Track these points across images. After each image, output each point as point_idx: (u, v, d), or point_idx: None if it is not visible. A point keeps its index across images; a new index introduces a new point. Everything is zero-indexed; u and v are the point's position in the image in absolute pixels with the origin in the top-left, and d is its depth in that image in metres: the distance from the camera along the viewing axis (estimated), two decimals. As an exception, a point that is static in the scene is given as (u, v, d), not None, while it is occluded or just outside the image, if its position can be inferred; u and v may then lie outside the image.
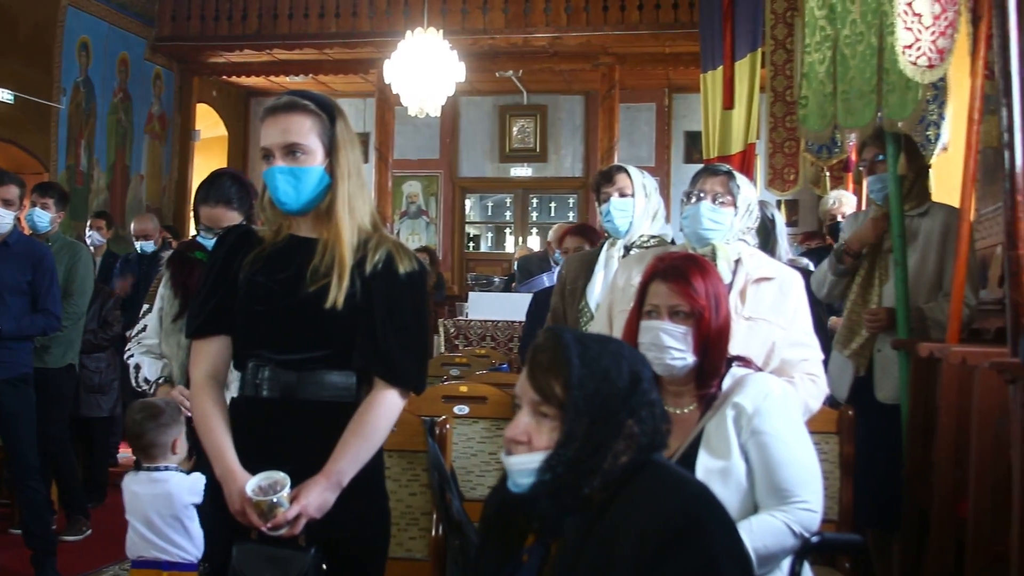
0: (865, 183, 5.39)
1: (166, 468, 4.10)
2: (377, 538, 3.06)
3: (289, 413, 2.91)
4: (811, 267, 6.28)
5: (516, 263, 11.85)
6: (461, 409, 4.39)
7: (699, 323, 2.90)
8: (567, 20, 13.87)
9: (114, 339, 7.78)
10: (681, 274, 2.94)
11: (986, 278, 6.89)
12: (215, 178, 4.40)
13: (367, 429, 2.89)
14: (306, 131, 2.93)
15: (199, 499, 3.90)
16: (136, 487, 4.10)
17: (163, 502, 4.03)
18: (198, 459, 3.98)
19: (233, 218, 4.27)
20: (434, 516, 3.62)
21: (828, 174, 7.43)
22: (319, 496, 2.79)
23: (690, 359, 2.92)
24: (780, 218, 5.75)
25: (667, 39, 13.77)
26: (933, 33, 4.38)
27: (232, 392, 3.08)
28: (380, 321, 2.91)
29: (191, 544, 4.03)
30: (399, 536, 3.59)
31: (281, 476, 2.76)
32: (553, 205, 18.04)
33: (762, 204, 5.10)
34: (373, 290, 2.93)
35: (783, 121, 7.20)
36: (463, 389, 4.50)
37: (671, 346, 2.90)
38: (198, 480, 3.90)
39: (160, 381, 4.34)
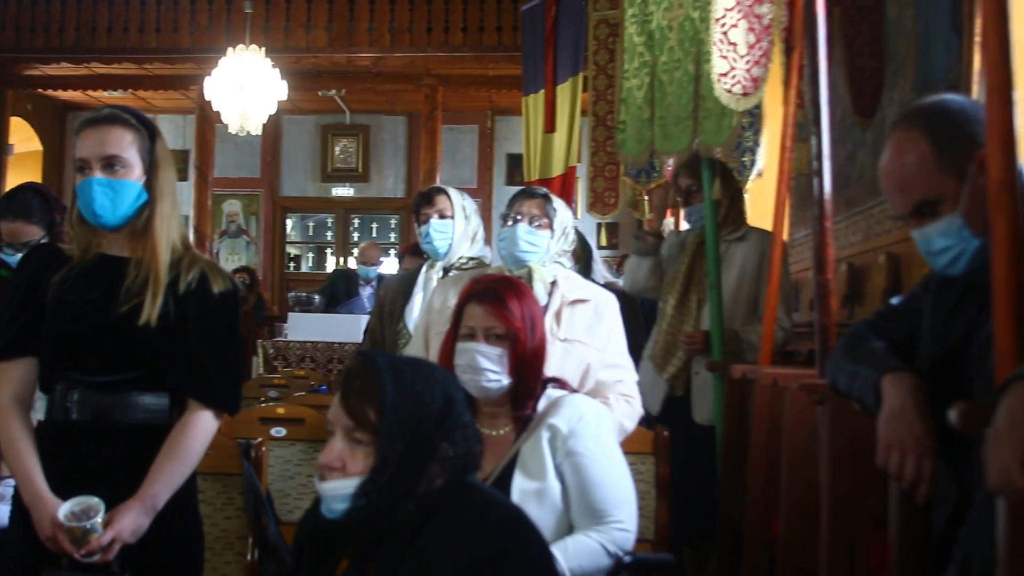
0: (682, 213, 5.49)
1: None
2: (191, 563, 3.01)
3: (101, 436, 2.84)
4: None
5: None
6: (278, 431, 4.33)
7: (514, 345, 2.91)
8: (391, 40, 13.83)
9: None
10: (497, 296, 2.94)
11: (799, 301, 7.08)
12: (16, 192, 4.28)
13: (181, 451, 2.84)
14: (126, 145, 2.87)
15: None
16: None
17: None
18: None
19: (33, 233, 4.16)
20: (249, 540, 3.55)
21: (647, 198, 7.54)
22: (133, 521, 2.73)
23: (505, 381, 2.92)
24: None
25: (490, 61, 13.85)
26: (748, 62, 4.48)
27: (39, 415, 2.98)
28: (194, 342, 2.87)
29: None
30: (214, 560, 3.51)
31: (95, 501, 2.70)
32: (375, 226, 17.95)
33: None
34: (187, 310, 2.88)
35: (604, 145, 7.29)
36: (280, 411, 4.44)
37: (487, 368, 2.90)
38: None
39: None
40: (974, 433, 1.88)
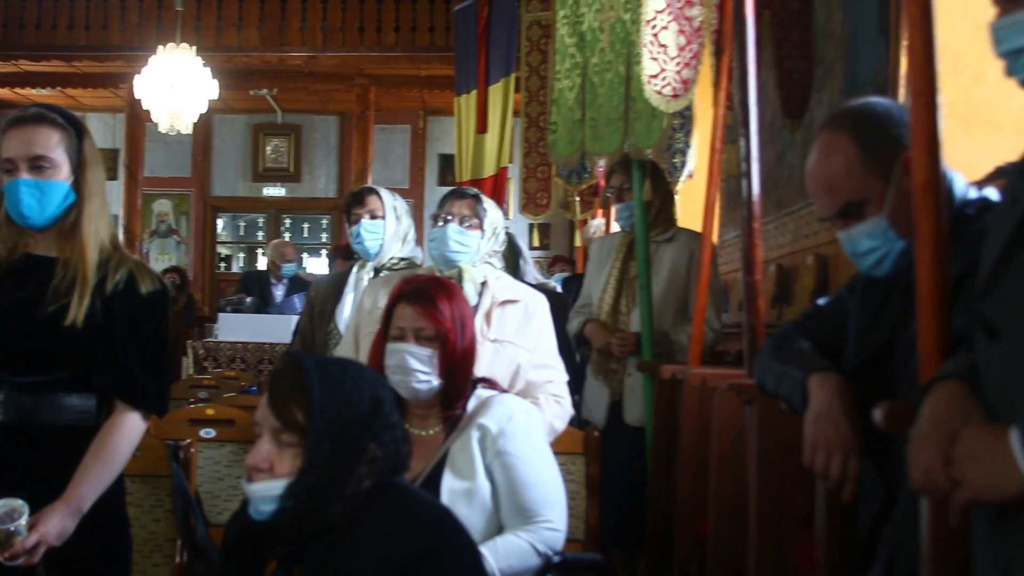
0: (613, 210, 5.51)
1: None
2: (118, 566, 2.98)
3: (26, 438, 2.81)
4: (559, 288, 6.38)
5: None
6: (208, 432, 4.29)
7: (444, 346, 2.90)
8: (323, 40, 13.77)
9: None
10: (427, 297, 2.93)
11: (729, 302, 7.13)
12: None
13: (108, 453, 2.82)
14: (53, 144, 2.83)
15: None
16: None
17: None
18: None
19: None
20: (178, 542, 3.52)
21: (578, 199, 7.57)
22: (59, 523, 2.69)
23: (435, 382, 2.91)
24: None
25: (422, 62, 13.83)
26: (678, 64, 4.51)
27: None
28: (121, 342, 2.85)
29: None
30: (142, 563, 3.48)
31: (19, 503, 2.66)
32: (306, 226, 17.87)
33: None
34: (114, 311, 2.85)
35: (536, 146, 7.30)
36: (209, 412, 4.40)
37: (416, 369, 2.89)
38: None
39: None
40: (898, 432, 1.90)
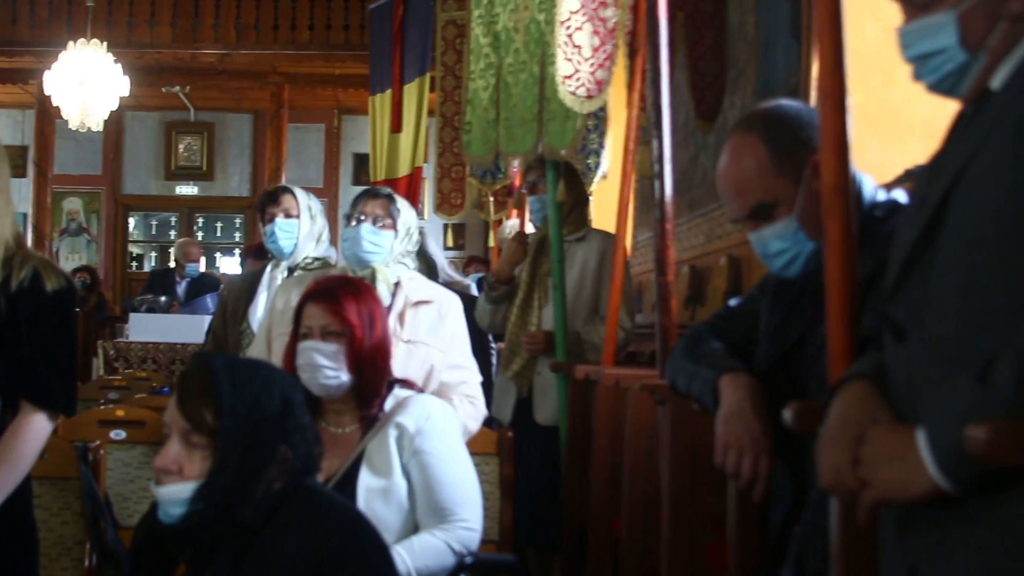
0: (527, 204, 5.52)
1: None
2: (25, 569, 2.94)
3: (-72, 441, 2.75)
4: (473, 287, 6.37)
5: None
6: (118, 434, 4.24)
7: (351, 341, 2.91)
8: (236, 37, 13.66)
9: None
10: (332, 295, 2.94)
11: (642, 302, 7.17)
12: None
13: (13, 455, 2.78)
14: None
15: None
16: None
17: None
18: None
19: None
20: (87, 546, 3.48)
21: (492, 199, 7.57)
22: (-37, 527, 2.65)
23: (344, 377, 2.92)
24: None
25: (337, 60, 13.77)
26: (592, 65, 4.53)
27: None
28: (26, 341, 2.80)
29: None
30: (50, 567, 3.44)
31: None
32: (219, 225, 17.72)
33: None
34: (19, 309, 2.80)
35: (451, 146, 7.29)
36: (120, 413, 4.35)
37: (323, 365, 2.89)
38: None
39: None
40: (808, 432, 1.92)
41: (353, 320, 2.91)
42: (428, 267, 5.83)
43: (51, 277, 2.87)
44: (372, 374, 2.96)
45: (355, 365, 2.92)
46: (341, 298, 2.93)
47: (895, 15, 1.86)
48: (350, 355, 2.91)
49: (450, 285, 5.41)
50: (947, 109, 1.89)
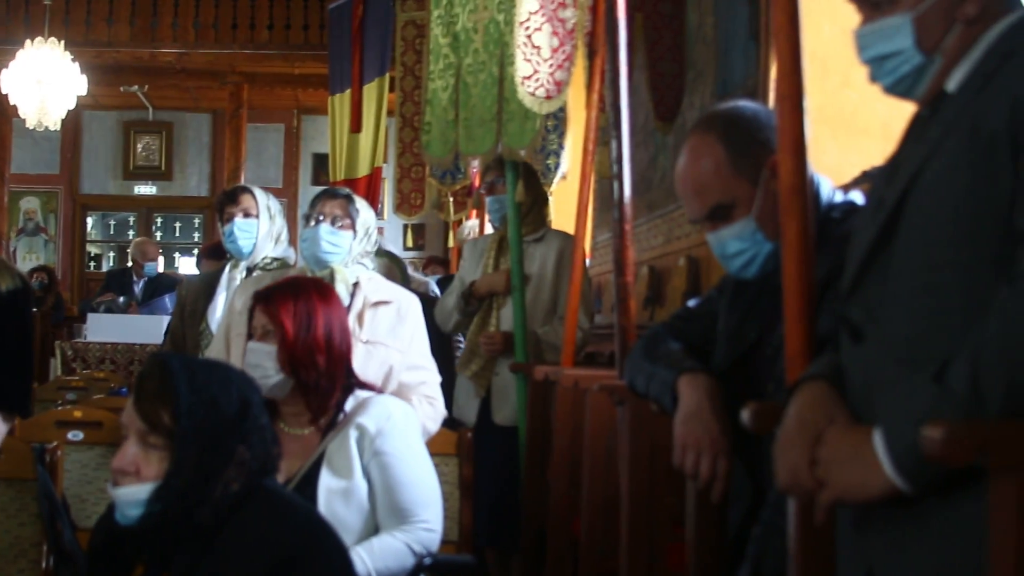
0: (485, 204, 5.52)
1: None
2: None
3: None
4: (434, 287, 6.37)
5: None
6: (75, 435, 4.20)
7: (283, 342, 2.90)
8: (195, 36, 13.60)
9: None
10: (269, 296, 2.96)
11: (602, 303, 7.18)
12: None
13: (-33, 457, 2.75)
14: None
15: None
16: None
17: None
18: None
19: None
20: (44, 547, 3.45)
21: (452, 200, 7.57)
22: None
23: (276, 378, 2.91)
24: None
25: (296, 60, 13.72)
26: (551, 66, 4.53)
27: None
28: (-20, 343, 2.78)
29: None
30: (7, 569, 3.41)
31: None
32: (178, 225, 17.63)
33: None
34: (-28, 310, 2.78)
35: (411, 146, 7.28)
36: (77, 414, 4.31)
37: (258, 364, 2.89)
38: None
39: None
40: (765, 433, 1.93)
41: (285, 320, 2.91)
42: (400, 268, 5.86)
43: (5, 278, 2.85)
44: (310, 374, 2.93)
45: (288, 365, 2.91)
46: (277, 299, 2.94)
47: (853, 17, 1.88)
48: (281, 355, 2.90)
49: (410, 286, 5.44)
50: (904, 111, 1.90)
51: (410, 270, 6.34)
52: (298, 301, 2.94)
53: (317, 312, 2.97)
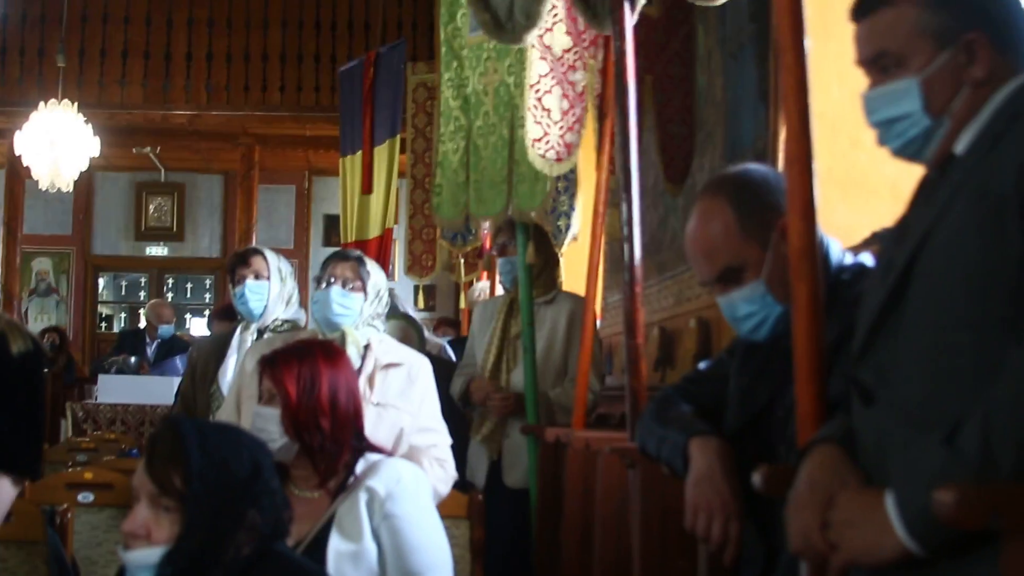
0: (496, 266, 5.54)
1: None
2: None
3: None
4: (447, 347, 6.38)
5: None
6: (85, 497, 4.20)
7: (286, 406, 2.90)
8: (207, 98, 13.66)
9: None
10: (273, 360, 2.96)
11: (612, 364, 7.17)
12: None
13: (-22, 519, 2.75)
14: None
15: None
16: None
17: None
18: None
19: None
20: (54, 611, 3.44)
21: (463, 261, 7.60)
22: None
23: (281, 441, 2.90)
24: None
25: (308, 122, 13.78)
26: (561, 128, 4.56)
27: None
28: (-9, 405, 2.78)
29: None
30: (18, 632, 3.40)
31: None
32: (190, 286, 17.66)
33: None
34: (-17, 373, 2.78)
35: (422, 208, 7.33)
36: (88, 475, 4.31)
37: (263, 428, 2.89)
38: None
39: None
40: (777, 496, 1.92)
41: (288, 385, 2.90)
42: (417, 331, 5.88)
43: (17, 339, 2.85)
44: (314, 438, 2.92)
45: (292, 429, 2.90)
46: (281, 363, 2.94)
47: (861, 78, 1.89)
48: (285, 419, 2.90)
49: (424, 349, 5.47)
50: (913, 172, 1.91)
51: (426, 333, 6.35)
52: (302, 365, 2.94)
53: (321, 375, 2.96)
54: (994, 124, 1.72)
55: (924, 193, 1.84)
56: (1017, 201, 1.59)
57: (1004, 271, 1.59)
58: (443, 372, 5.17)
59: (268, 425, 2.89)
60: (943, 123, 1.78)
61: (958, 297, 1.64)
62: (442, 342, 6.56)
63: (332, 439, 2.93)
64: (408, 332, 5.72)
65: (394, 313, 5.72)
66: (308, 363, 2.95)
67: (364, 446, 3.05)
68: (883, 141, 1.87)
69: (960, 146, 1.76)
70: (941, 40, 1.78)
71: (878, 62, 1.84)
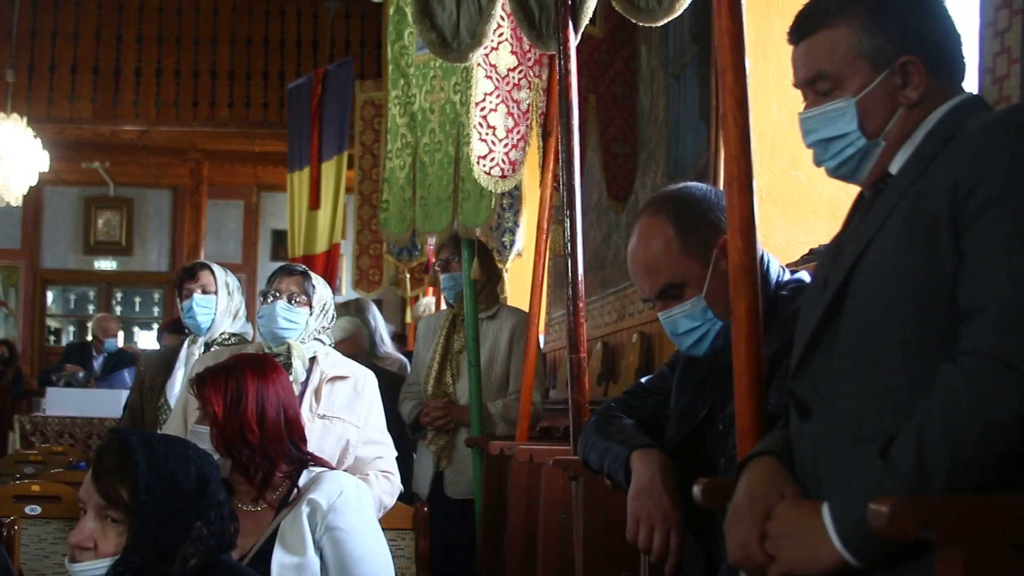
0: (440, 281, 5.57)
1: None
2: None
3: None
4: (406, 362, 6.39)
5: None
6: (33, 509, 4.17)
7: (214, 422, 2.90)
8: (156, 114, 13.58)
9: None
10: (201, 379, 2.96)
11: (556, 378, 7.21)
12: None
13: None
14: None
15: None
16: None
17: None
18: None
19: None
20: (-1, 624, 3.42)
21: (409, 276, 7.61)
22: None
23: (215, 458, 2.90)
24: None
25: (256, 138, 13.74)
26: (506, 145, 4.60)
27: None
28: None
29: None
30: (-38, 646, 3.37)
31: None
32: (138, 300, 17.54)
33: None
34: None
35: (369, 224, 7.34)
36: (35, 488, 4.27)
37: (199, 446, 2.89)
38: None
39: None
40: (717, 508, 1.95)
41: (214, 401, 2.91)
42: (369, 331, 5.90)
43: (-37, 354, 2.85)
44: (243, 452, 2.92)
45: (222, 445, 2.91)
46: (208, 381, 2.95)
47: (800, 99, 1.93)
48: (215, 436, 2.91)
49: (383, 360, 5.49)
50: (850, 191, 1.95)
51: (388, 348, 6.37)
52: (228, 380, 2.94)
53: (248, 390, 2.96)
54: (927, 145, 1.75)
55: (860, 212, 1.88)
56: (949, 220, 1.62)
57: (937, 289, 1.63)
58: (394, 387, 5.19)
59: (201, 442, 2.87)
60: (878, 144, 1.82)
61: (892, 314, 1.67)
62: (403, 359, 6.55)
63: (261, 452, 2.93)
64: (360, 330, 5.76)
65: (345, 311, 5.77)
66: (235, 378, 2.95)
67: (307, 458, 3.06)
68: (820, 161, 1.90)
69: (895, 166, 1.80)
70: (877, 63, 1.81)
71: (815, 84, 1.87)
